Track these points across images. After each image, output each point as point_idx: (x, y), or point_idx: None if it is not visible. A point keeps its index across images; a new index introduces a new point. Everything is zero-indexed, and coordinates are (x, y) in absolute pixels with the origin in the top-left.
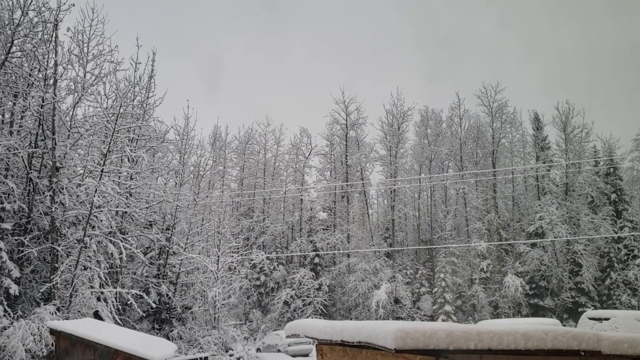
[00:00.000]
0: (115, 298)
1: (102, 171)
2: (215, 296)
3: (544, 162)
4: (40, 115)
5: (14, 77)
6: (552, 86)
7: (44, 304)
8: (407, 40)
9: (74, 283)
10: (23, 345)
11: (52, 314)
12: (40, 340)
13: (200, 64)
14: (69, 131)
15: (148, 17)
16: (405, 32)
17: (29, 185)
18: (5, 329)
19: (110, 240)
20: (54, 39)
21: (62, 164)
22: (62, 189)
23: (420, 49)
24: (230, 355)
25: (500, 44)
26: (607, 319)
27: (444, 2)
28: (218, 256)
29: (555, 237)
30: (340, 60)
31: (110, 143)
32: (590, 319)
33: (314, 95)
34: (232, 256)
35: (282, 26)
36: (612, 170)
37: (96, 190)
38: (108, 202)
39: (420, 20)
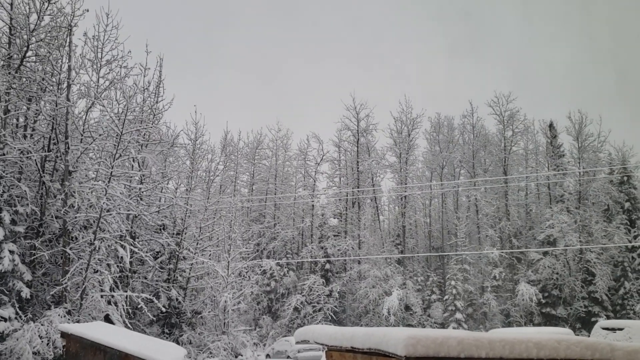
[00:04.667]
0: (126, 302)
1: (111, 174)
2: (226, 302)
3: (557, 170)
4: (53, 119)
5: (28, 82)
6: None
7: (55, 307)
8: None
9: (84, 286)
10: (31, 347)
11: (62, 316)
12: (48, 343)
13: (204, 68)
14: (82, 135)
15: (147, 21)
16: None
17: (42, 188)
18: (16, 331)
19: (121, 244)
20: (67, 44)
21: (74, 168)
22: (74, 192)
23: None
24: None
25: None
26: (620, 329)
27: None
28: (228, 261)
29: (567, 246)
30: (346, 63)
31: (117, 146)
32: (603, 328)
33: (322, 100)
34: (243, 262)
35: (286, 21)
36: (625, 178)
37: (106, 192)
38: (118, 205)
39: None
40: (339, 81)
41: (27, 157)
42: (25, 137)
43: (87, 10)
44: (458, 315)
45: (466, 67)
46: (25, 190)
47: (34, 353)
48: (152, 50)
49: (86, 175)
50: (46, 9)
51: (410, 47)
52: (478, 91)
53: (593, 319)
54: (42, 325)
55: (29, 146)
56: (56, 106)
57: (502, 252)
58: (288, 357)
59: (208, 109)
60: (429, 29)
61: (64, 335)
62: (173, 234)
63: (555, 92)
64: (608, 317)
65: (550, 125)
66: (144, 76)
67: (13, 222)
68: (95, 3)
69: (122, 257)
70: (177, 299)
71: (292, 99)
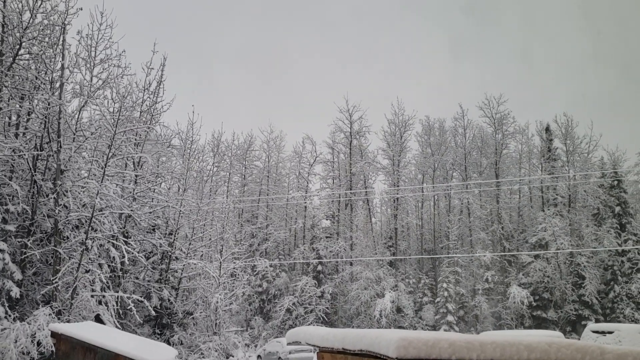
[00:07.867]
0: (117, 302)
1: (104, 173)
2: (217, 302)
3: (550, 174)
4: (45, 118)
5: (20, 80)
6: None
7: (43, 307)
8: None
9: (75, 286)
10: (16, 347)
11: (47, 315)
12: (39, 343)
13: (201, 64)
14: (74, 134)
15: (144, 16)
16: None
17: (33, 187)
18: (4, 331)
19: (113, 244)
20: (61, 42)
21: (66, 167)
22: (66, 191)
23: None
24: None
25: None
26: (610, 333)
27: None
28: (220, 262)
29: (558, 249)
30: (345, 62)
31: (111, 145)
32: (593, 332)
33: (321, 98)
34: (235, 262)
35: (286, 19)
36: (616, 182)
37: (98, 192)
38: (111, 205)
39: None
40: (338, 80)
41: (19, 156)
42: (17, 135)
43: (81, 9)
44: (449, 318)
45: (466, 66)
46: (16, 189)
47: (22, 353)
48: (146, 45)
49: (78, 175)
50: (39, 6)
51: (409, 46)
52: (478, 91)
53: (583, 322)
54: (28, 324)
55: (21, 145)
56: (49, 105)
57: (494, 255)
58: (279, 358)
59: (203, 105)
60: (429, 28)
61: (54, 335)
62: (165, 234)
63: (555, 93)
64: (598, 321)
65: (547, 129)
66: (147, 75)
67: (4, 220)
68: (90, 2)
69: (114, 257)
70: (168, 300)
71: (291, 98)
